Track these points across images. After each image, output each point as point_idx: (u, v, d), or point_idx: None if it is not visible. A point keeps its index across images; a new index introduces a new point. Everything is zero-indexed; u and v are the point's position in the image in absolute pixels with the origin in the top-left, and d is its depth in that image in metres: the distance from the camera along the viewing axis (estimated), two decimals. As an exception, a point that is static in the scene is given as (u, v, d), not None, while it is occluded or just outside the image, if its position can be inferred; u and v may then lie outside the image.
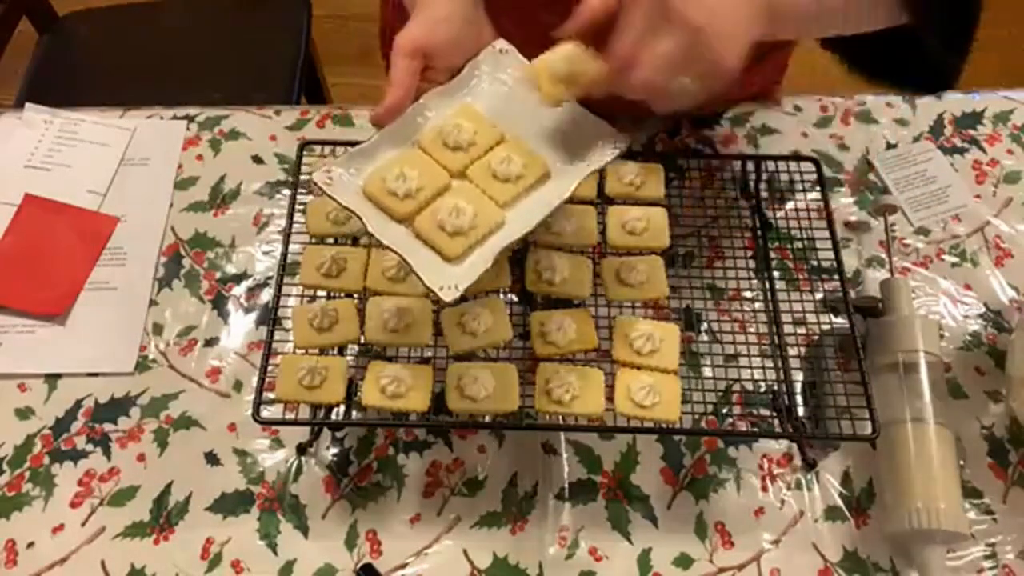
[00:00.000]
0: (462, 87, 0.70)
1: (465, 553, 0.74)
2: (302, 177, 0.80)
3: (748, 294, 0.85)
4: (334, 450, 0.79)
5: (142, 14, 1.51)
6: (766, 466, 0.78)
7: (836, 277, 0.79)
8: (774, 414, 0.79)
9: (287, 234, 0.78)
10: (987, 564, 0.73)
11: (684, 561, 0.74)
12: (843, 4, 0.70)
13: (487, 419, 0.72)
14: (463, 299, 0.74)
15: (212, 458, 0.79)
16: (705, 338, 0.83)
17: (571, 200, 0.78)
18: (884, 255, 0.88)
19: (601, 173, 0.79)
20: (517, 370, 0.71)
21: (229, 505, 0.76)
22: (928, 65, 0.75)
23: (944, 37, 0.73)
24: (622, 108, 0.66)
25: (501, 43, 0.71)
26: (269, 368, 0.71)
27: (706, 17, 0.59)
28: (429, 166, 0.68)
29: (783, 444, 0.79)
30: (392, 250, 0.63)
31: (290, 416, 0.72)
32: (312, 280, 0.75)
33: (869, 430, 0.69)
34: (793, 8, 0.68)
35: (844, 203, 0.93)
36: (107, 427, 0.80)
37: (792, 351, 0.80)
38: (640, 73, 0.60)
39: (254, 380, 0.75)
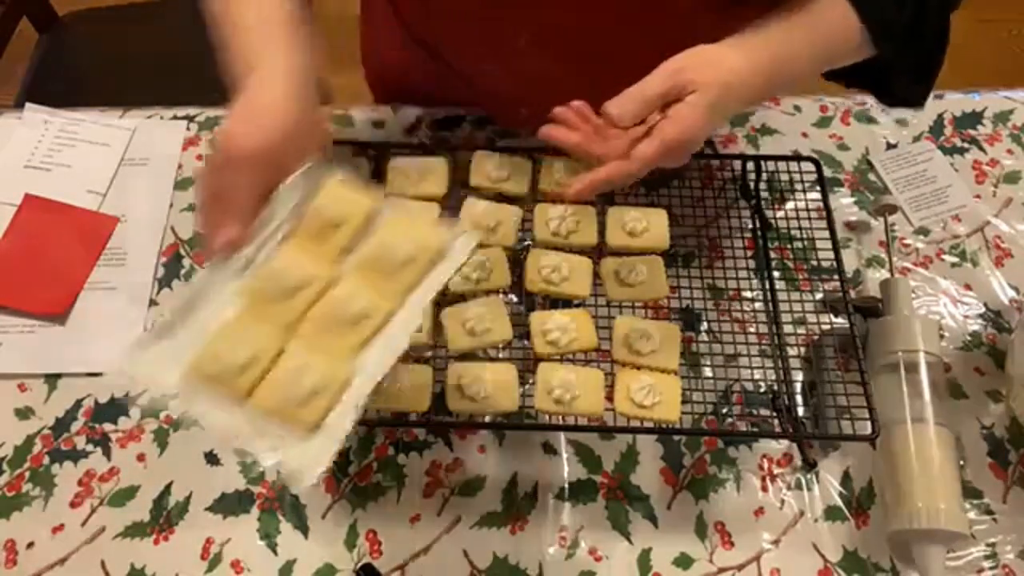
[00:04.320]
0: (270, 221, 0.61)
1: (465, 553, 0.74)
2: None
3: (748, 294, 0.85)
4: (334, 450, 0.79)
5: (142, 14, 1.51)
6: (766, 466, 0.78)
7: (836, 277, 0.79)
8: (774, 414, 0.79)
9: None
10: (987, 564, 0.74)
11: (684, 561, 0.74)
12: (827, 54, 0.71)
13: (487, 419, 0.72)
14: (461, 298, 0.74)
15: (212, 458, 0.79)
16: (705, 338, 0.83)
17: (571, 201, 0.79)
18: (884, 255, 0.88)
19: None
20: (517, 370, 0.71)
21: (229, 505, 0.76)
22: (895, 91, 0.76)
23: (911, 72, 0.74)
24: None
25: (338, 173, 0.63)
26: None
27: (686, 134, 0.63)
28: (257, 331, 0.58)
29: (783, 444, 0.79)
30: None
31: (290, 416, 0.72)
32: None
33: (869, 430, 0.69)
34: (791, 74, 0.69)
35: (844, 203, 0.93)
36: (107, 427, 0.80)
37: (792, 351, 0.80)
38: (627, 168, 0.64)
39: (254, 380, 0.75)
